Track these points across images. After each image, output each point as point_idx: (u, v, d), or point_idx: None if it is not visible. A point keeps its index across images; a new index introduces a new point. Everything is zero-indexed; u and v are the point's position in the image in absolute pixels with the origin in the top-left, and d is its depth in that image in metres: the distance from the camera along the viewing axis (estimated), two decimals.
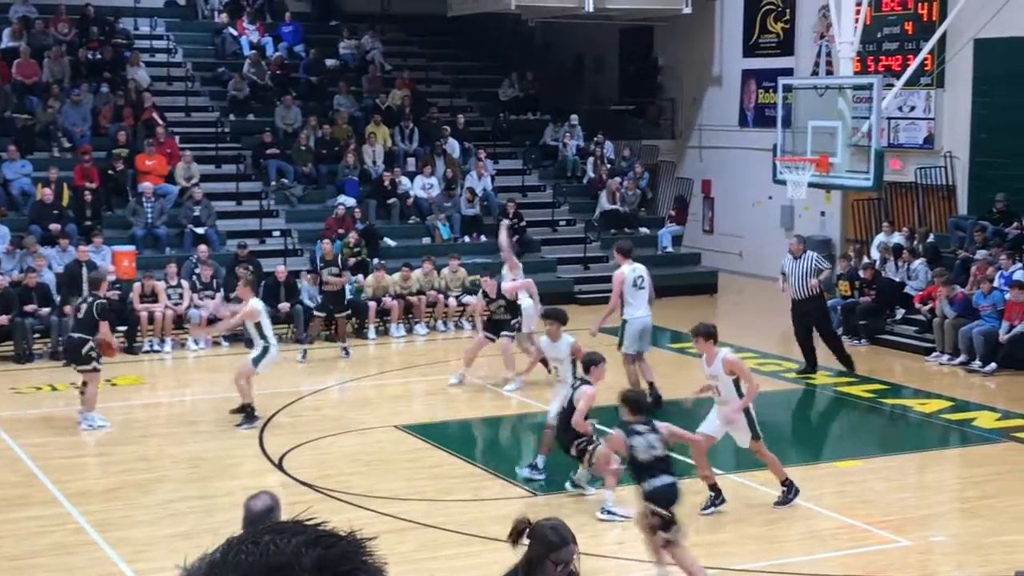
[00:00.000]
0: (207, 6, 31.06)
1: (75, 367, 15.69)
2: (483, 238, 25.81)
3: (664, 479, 10.19)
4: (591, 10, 27.55)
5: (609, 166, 28.51)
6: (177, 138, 26.05)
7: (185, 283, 21.21)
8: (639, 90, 32.20)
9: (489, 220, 26.21)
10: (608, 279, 17.97)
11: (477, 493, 13.04)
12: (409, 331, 22.28)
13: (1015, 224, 21.55)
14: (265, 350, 15.61)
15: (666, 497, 10.10)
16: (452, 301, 22.54)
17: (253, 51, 28.89)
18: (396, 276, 22.33)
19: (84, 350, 15.35)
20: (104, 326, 15.45)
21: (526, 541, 6.09)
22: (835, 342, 19.29)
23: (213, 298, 21.31)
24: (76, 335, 15.59)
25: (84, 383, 15.56)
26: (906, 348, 20.89)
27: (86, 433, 15.43)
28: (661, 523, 10.10)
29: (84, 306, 15.57)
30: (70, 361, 15.96)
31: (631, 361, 16.37)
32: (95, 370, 15.47)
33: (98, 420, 15.57)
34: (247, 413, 15.71)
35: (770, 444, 14.35)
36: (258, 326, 15.66)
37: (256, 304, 15.79)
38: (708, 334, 12.23)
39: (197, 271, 21.59)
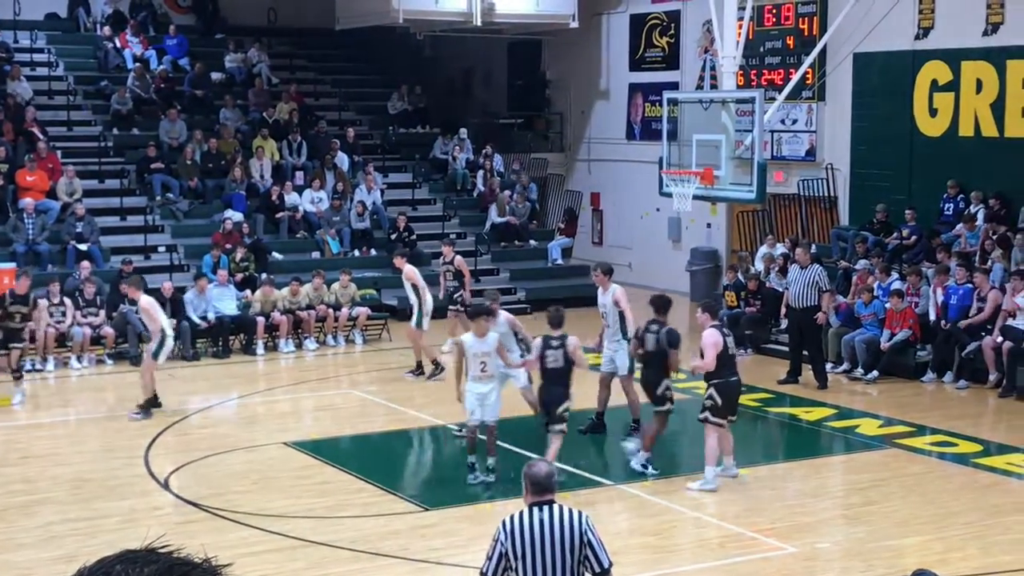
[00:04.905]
0: (89, 19, 30.55)
1: None
2: (373, 252, 25.73)
3: (556, 389, 13.27)
4: (479, 24, 27.62)
5: (499, 179, 28.58)
6: (59, 153, 25.59)
7: (68, 300, 20.79)
8: (527, 103, 32.34)
9: (379, 234, 26.14)
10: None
11: (366, 509, 12.98)
12: (299, 346, 22.10)
13: (895, 235, 22.03)
14: (162, 341, 16.69)
15: (550, 400, 13.32)
16: (344, 312, 22.37)
17: (137, 64, 28.48)
18: (285, 291, 22.14)
19: None
20: None
21: None
22: (818, 356, 19.30)
23: (97, 315, 20.93)
24: None
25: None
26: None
27: None
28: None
29: None
30: None
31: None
32: None
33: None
34: (147, 405, 16.79)
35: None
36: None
37: (146, 299, 16.86)
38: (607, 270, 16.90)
39: (80, 288, 21.19)
